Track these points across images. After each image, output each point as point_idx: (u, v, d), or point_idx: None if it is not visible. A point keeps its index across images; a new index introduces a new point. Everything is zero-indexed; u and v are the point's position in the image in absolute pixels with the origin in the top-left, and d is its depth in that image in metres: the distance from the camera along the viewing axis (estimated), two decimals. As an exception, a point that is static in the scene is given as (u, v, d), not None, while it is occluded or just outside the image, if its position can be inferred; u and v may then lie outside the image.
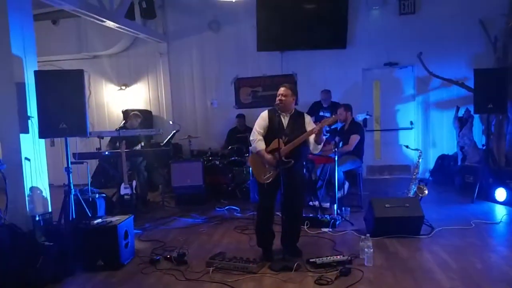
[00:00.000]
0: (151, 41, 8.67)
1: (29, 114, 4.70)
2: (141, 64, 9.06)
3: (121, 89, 9.13)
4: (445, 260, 3.95)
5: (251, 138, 4.22)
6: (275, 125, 4.06)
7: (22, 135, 4.63)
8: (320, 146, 4.13)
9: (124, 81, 9.15)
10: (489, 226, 5.03)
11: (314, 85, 8.18)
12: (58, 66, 8.44)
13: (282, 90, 4.15)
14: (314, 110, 7.58)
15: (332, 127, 7.27)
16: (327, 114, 7.39)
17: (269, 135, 4.14)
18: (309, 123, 4.21)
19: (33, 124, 4.69)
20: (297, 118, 4.19)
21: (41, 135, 4.65)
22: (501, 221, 5.18)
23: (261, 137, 4.15)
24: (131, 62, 9.05)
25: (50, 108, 4.51)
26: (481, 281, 3.48)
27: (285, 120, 4.15)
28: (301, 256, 4.08)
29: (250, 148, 4.32)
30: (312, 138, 4.05)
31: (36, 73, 4.61)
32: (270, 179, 4.05)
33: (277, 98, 4.12)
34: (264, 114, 4.22)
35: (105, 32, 7.94)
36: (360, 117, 6.65)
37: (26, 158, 4.64)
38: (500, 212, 5.61)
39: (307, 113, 7.38)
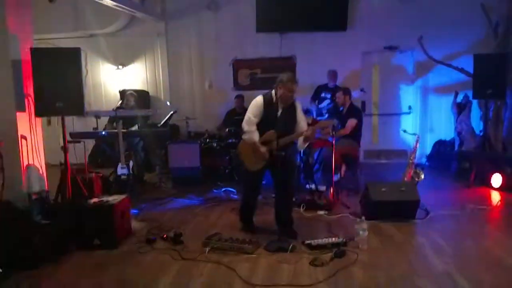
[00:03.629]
0: (149, 20, 8.56)
1: (25, 92, 4.66)
2: (139, 43, 8.96)
3: (118, 68, 9.05)
4: (440, 244, 3.99)
5: (246, 127, 4.17)
6: (269, 114, 4.11)
7: (18, 113, 4.60)
8: (306, 144, 4.24)
9: (121, 61, 9.06)
10: (484, 211, 5.06)
11: (313, 67, 8.12)
12: (55, 44, 8.33)
13: (295, 87, 4.10)
14: (318, 93, 7.54)
15: (327, 106, 7.27)
16: (328, 96, 7.36)
17: (262, 123, 4.14)
18: (300, 111, 4.23)
19: (30, 102, 4.66)
20: (290, 108, 4.16)
21: (37, 113, 4.62)
22: (496, 206, 5.21)
23: (255, 128, 4.14)
24: (129, 42, 8.94)
25: (46, 87, 4.47)
26: (474, 265, 3.51)
27: (279, 110, 4.14)
28: (297, 238, 4.11)
29: (243, 136, 4.25)
30: (301, 138, 4.10)
31: (33, 50, 4.55)
32: (259, 167, 4.14)
33: (290, 95, 4.06)
34: (260, 101, 4.15)
35: (102, 11, 7.82)
36: (355, 95, 6.62)
37: (22, 136, 4.62)
38: (496, 197, 5.64)
39: (312, 96, 7.37)
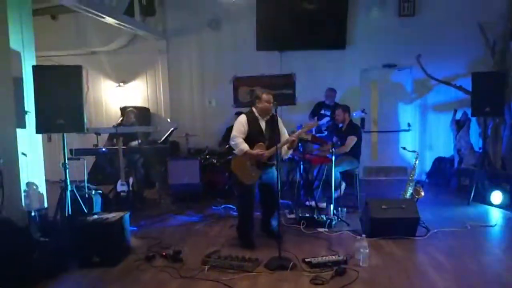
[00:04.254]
0: (150, 38, 8.66)
1: (26, 109, 4.69)
2: (140, 61, 9.04)
3: (119, 85, 9.11)
4: (440, 261, 3.97)
5: (233, 142, 4.39)
6: (254, 129, 4.41)
7: (19, 130, 4.62)
8: (290, 151, 4.59)
9: (123, 78, 9.13)
10: (484, 228, 5.05)
11: (312, 85, 8.20)
12: (57, 61, 8.41)
13: (271, 97, 4.42)
14: (316, 110, 7.58)
15: (326, 123, 7.28)
16: (328, 113, 7.39)
17: (250, 138, 4.38)
18: (281, 124, 4.58)
19: (30, 119, 4.68)
20: (272, 120, 4.47)
21: (38, 130, 4.64)
22: (496, 224, 5.20)
23: (242, 139, 4.38)
24: (130, 59, 9.02)
25: (47, 103, 4.50)
26: (475, 283, 3.49)
27: (262, 124, 4.48)
28: (282, 239, 4.26)
29: (234, 151, 4.44)
30: (285, 145, 4.42)
31: (34, 68, 4.59)
32: (255, 180, 4.38)
33: (269, 105, 4.38)
34: (243, 119, 4.44)
35: (104, 29, 7.92)
36: (356, 115, 6.65)
37: (22, 153, 4.63)
38: (496, 215, 5.64)
39: (310, 113, 7.44)
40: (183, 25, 8.87)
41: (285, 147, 4.46)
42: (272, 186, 4.46)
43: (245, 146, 4.33)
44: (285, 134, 4.57)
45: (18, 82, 4.63)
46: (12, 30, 4.57)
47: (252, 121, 4.43)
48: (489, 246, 4.57)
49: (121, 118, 7.33)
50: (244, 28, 8.45)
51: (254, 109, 4.51)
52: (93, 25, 8.16)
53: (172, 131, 7.34)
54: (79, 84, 4.62)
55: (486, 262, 3.99)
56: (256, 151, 4.31)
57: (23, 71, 4.69)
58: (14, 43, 4.59)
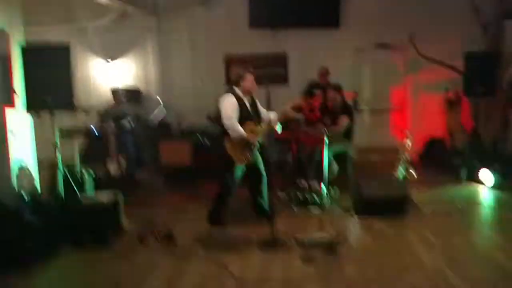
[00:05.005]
0: (140, 14, 8.48)
1: (14, 87, 4.60)
2: (129, 38, 8.82)
3: (108, 62, 8.94)
4: (430, 240, 4.01)
5: (228, 122, 4.31)
6: (242, 109, 4.42)
7: (7, 109, 4.54)
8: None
9: (112, 56, 8.96)
10: (475, 208, 5.11)
11: (305, 64, 8.11)
12: (44, 37, 8.22)
13: (254, 75, 4.54)
14: (309, 90, 7.51)
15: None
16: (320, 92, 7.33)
17: (239, 118, 4.38)
18: (258, 102, 4.67)
19: (19, 97, 4.60)
20: (253, 100, 4.60)
21: (26, 108, 4.56)
22: (485, 203, 5.26)
23: (237, 123, 4.33)
24: (119, 36, 8.80)
25: (36, 81, 4.42)
26: (465, 262, 3.55)
27: (247, 103, 4.50)
28: (274, 218, 4.16)
29: (231, 134, 4.33)
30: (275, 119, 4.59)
31: (22, 46, 4.50)
32: (248, 161, 4.40)
33: (253, 86, 4.47)
34: (233, 100, 4.40)
35: (93, 4, 7.74)
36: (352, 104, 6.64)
37: (11, 132, 4.56)
38: (486, 194, 5.69)
39: (303, 93, 7.41)
40: (173, 1, 8.69)
41: (275, 121, 4.57)
42: (257, 164, 4.54)
43: (241, 129, 4.32)
44: (264, 112, 4.64)
45: (5, 60, 4.53)
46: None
47: (239, 101, 4.41)
48: (479, 224, 4.64)
49: (112, 98, 7.23)
50: (236, 5, 8.30)
51: (237, 89, 4.49)
52: (81, 0, 7.97)
53: (162, 111, 7.26)
54: (67, 62, 4.55)
55: (476, 241, 4.05)
56: (250, 135, 4.33)
57: (11, 49, 4.58)
58: (1, 22, 4.47)
